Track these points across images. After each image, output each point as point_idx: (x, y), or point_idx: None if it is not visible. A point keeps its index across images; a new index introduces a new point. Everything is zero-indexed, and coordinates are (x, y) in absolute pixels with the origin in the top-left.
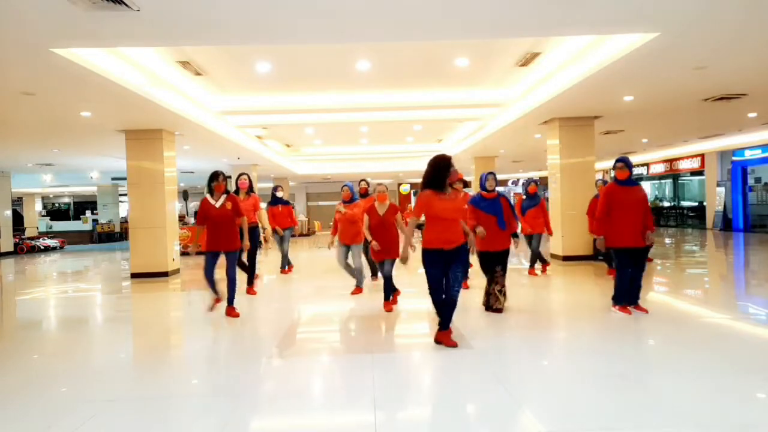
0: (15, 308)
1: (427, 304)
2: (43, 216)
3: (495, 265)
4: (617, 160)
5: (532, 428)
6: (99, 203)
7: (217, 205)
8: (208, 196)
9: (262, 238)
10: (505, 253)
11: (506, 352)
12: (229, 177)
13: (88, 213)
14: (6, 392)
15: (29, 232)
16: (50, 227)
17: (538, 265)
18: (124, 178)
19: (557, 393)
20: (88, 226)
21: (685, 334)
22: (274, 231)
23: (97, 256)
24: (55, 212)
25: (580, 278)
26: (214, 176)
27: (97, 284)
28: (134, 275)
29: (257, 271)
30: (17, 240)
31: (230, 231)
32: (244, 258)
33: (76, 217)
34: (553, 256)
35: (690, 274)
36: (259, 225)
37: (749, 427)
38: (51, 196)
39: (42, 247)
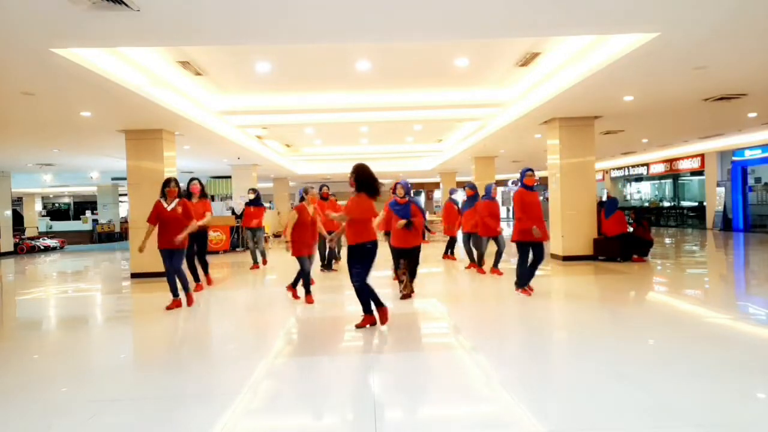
0: (15, 308)
1: (421, 304)
2: (43, 216)
3: (403, 258)
4: (527, 169)
5: (531, 428)
6: (99, 203)
7: (169, 208)
8: (161, 199)
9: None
10: (414, 250)
11: (506, 352)
12: (229, 177)
13: (88, 213)
14: (6, 392)
15: (29, 232)
16: (50, 227)
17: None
18: (124, 178)
19: (557, 393)
20: (88, 226)
21: (684, 334)
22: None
23: (97, 256)
24: (55, 212)
25: (575, 277)
26: (167, 182)
27: (97, 284)
28: (134, 275)
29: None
30: (17, 240)
31: (179, 232)
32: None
33: (76, 217)
34: (553, 256)
35: (690, 274)
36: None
37: (749, 427)
38: (51, 196)
39: (42, 247)
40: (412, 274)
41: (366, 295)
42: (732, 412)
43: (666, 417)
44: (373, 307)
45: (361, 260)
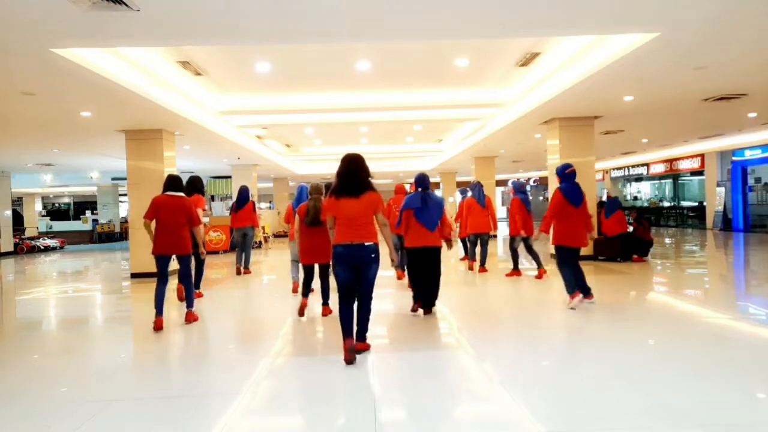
0: (15, 308)
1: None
2: (43, 216)
3: (422, 266)
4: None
5: (531, 428)
6: (99, 203)
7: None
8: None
9: (261, 238)
10: (434, 251)
11: (506, 352)
12: (229, 177)
13: (88, 213)
14: (6, 392)
15: (29, 232)
16: (50, 227)
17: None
18: (124, 178)
19: (557, 393)
20: (88, 226)
21: (685, 334)
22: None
23: (97, 256)
24: (55, 212)
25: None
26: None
27: (97, 284)
28: (134, 275)
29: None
30: (17, 240)
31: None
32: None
33: (76, 217)
34: (553, 256)
35: (690, 274)
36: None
37: (749, 427)
38: (51, 196)
39: (42, 247)
40: (433, 293)
41: (343, 317)
42: (732, 412)
43: (667, 417)
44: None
45: (334, 264)
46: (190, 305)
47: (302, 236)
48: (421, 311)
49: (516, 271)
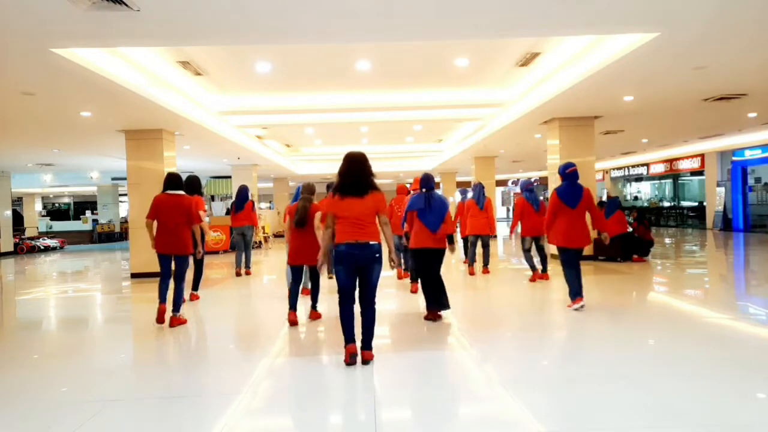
0: (15, 308)
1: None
2: (43, 216)
3: (425, 266)
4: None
5: (531, 428)
6: (99, 203)
7: None
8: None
9: (262, 238)
10: (439, 252)
11: (506, 351)
12: (229, 177)
13: (88, 213)
14: (6, 392)
15: (29, 232)
16: (50, 227)
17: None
18: (124, 178)
19: (557, 393)
20: (88, 226)
21: (685, 334)
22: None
23: (97, 256)
24: (55, 212)
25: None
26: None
27: (97, 284)
28: (134, 275)
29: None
30: (17, 240)
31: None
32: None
33: (76, 217)
34: (554, 256)
35: (690, 274)
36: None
37: (749, 427)
38: (51, 196)
39: (42, 247)
40: (438, 294)
41: (344, 318)
42: (732, 412)
43: (667, 416)
44: (357, 341)
45: (334, 264)
46: (176, 309)
47: (291, 236)
48: (429, 312)
49: (536, 273)
